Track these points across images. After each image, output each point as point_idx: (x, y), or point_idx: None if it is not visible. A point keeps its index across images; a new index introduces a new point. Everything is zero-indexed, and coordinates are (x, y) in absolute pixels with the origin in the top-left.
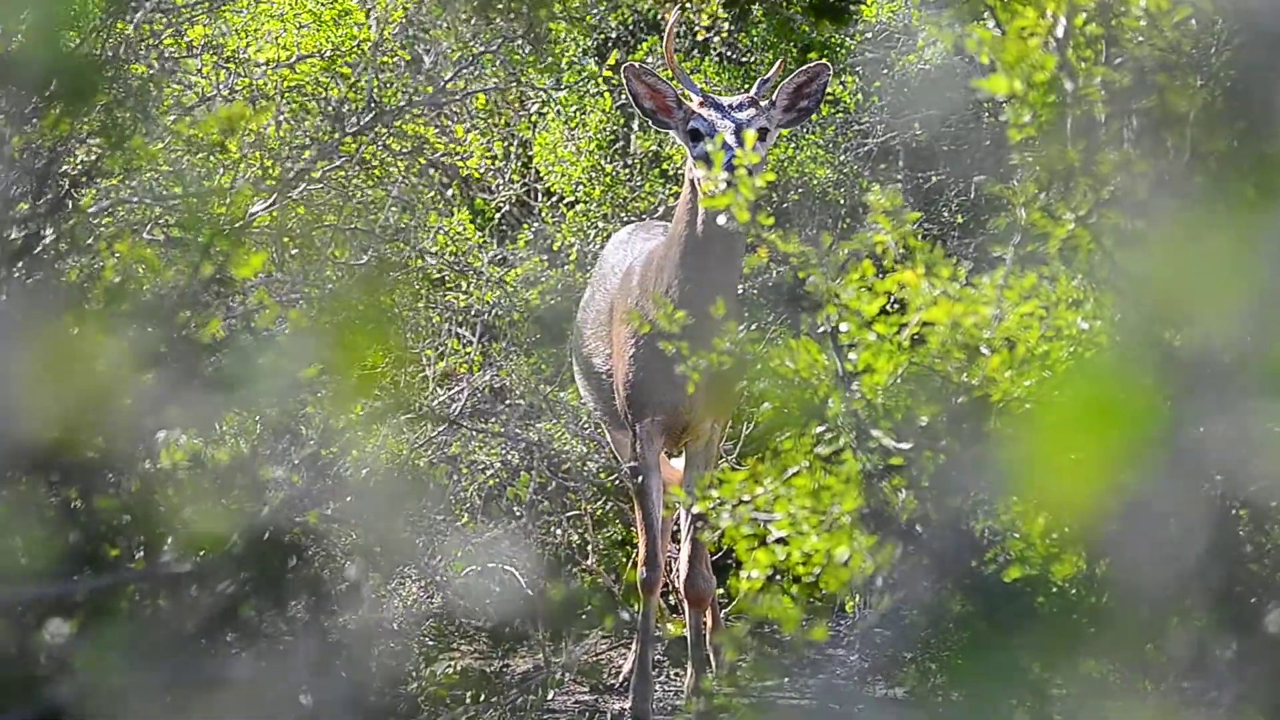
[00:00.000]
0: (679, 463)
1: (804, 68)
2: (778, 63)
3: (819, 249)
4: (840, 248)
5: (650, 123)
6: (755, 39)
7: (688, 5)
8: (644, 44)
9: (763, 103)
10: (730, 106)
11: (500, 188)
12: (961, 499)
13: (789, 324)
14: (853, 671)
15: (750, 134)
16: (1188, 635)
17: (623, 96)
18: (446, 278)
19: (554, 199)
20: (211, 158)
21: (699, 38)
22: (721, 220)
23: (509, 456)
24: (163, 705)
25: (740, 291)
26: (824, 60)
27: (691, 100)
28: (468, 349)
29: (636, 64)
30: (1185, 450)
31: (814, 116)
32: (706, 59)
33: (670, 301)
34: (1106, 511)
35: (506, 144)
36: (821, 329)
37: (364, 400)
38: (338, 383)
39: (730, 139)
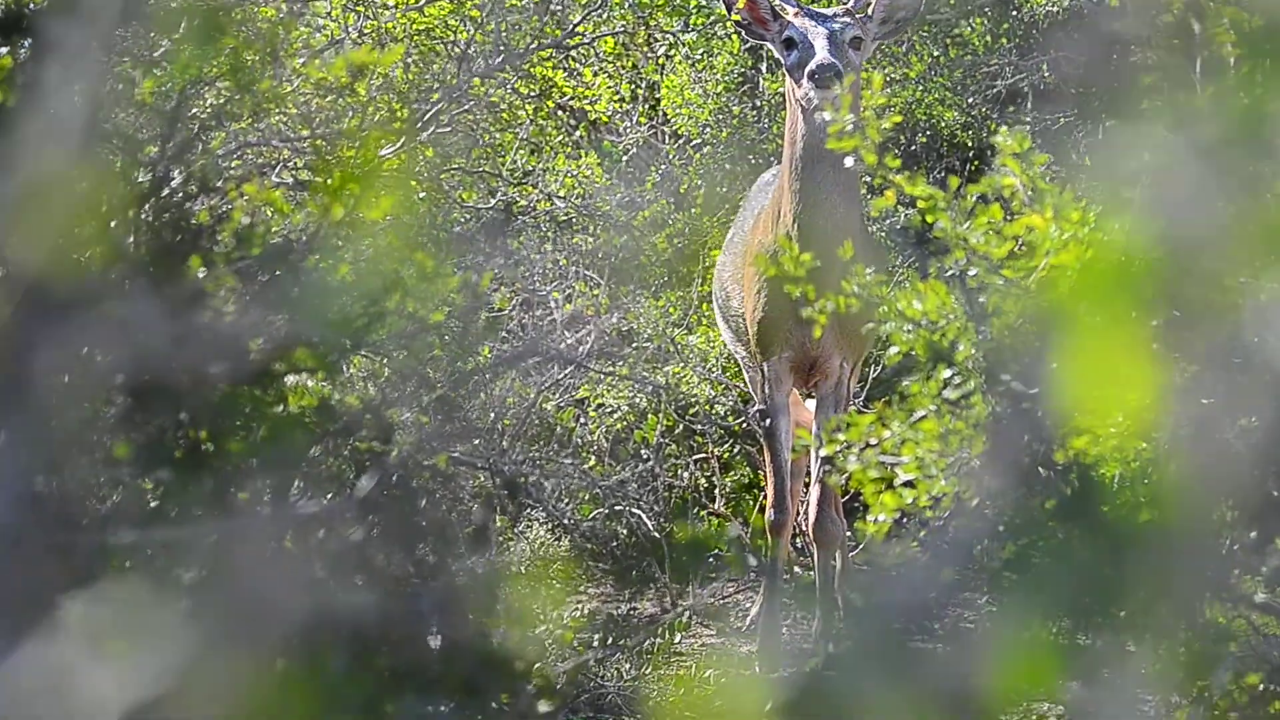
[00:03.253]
0: (813, 404)
1: None
2: None
3: (947, 192)
4: (968, 191)
5: (745, 35)
6: None
7: None
8: None
9: (858, 14)
10: (826, 15)
11: (627, 130)
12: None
13: (916, 267)
14: (980, 615)
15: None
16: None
17: (750, 40)
18: (574, 220)
19: (681, 141)
20: (340, 100)
21: None
22: (849, 162)
23: (636, 399)
24: (291, 648)
25: (868, 228)
26: None
27: (787, 12)
28: (595, 292)
29: None
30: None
31: (921, 46)
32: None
33: (792, 235)
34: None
35: (634, 86)
36: (950, 272)
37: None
38: (465, 325)
39: (823, 44)
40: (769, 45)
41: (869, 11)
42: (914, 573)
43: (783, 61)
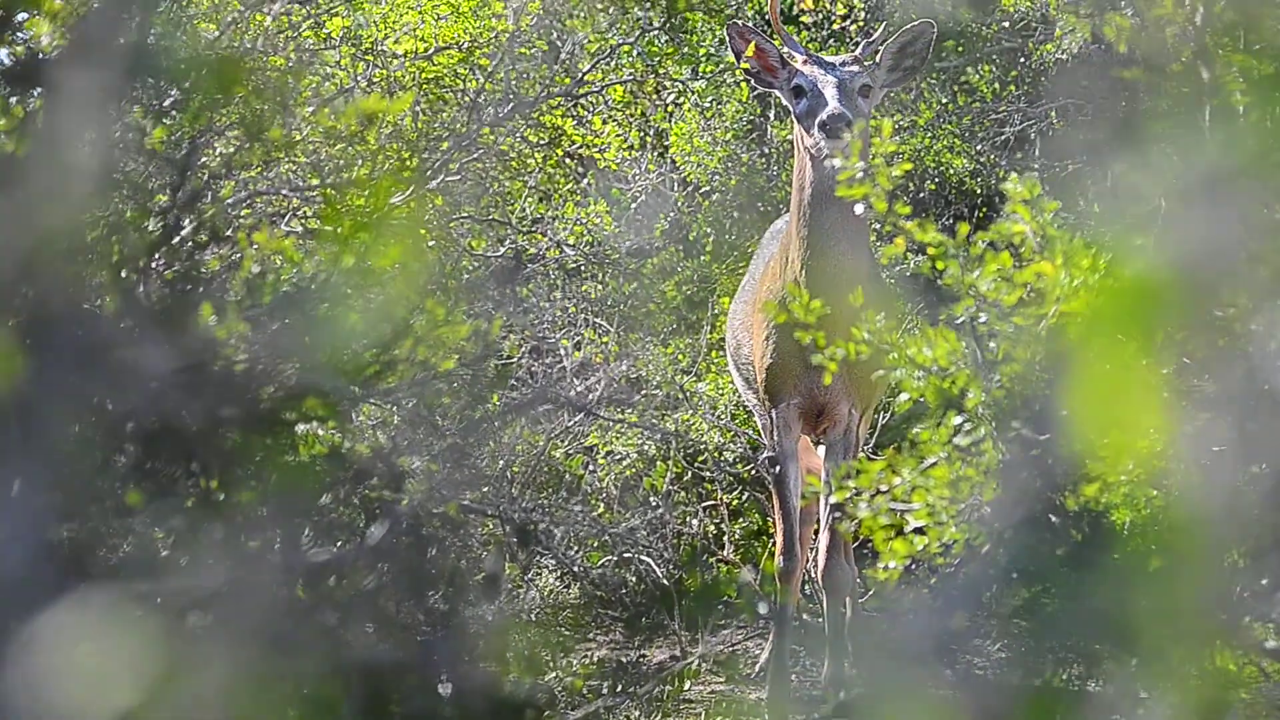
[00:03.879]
0: (824, 450)
1: (907, 27)
2: (882, 25)
3: (956, 239)
4: (977, 238)
5: (754, 83)
6: (892, 28)
7: None
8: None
9: (866, 62)
10: (834, 64)
11: (636, 178)
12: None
13: (926, 314)
14: (991, 662)
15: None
16: None
17: (759, 87)
18: (583, 268)
19: (690, 189)
20: (349, 149)
21: (834, 27)
22: (859, 210)
23: (645, 446)
24: (302, 696)
25: (878, 274)
26: (928, 21)
27: (795, 60)
28: (604, 339)
29: (740, 22)
30: None
31: (930, 94)
32: (843, 48)
33: (800, 281)
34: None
35: (643, 134)
36: (960, 319)
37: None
38: (475, 373)
39: (833, 93)
40: (777, 93)
41: (877, 59)
42: (925, 618)
43: (791, 109)
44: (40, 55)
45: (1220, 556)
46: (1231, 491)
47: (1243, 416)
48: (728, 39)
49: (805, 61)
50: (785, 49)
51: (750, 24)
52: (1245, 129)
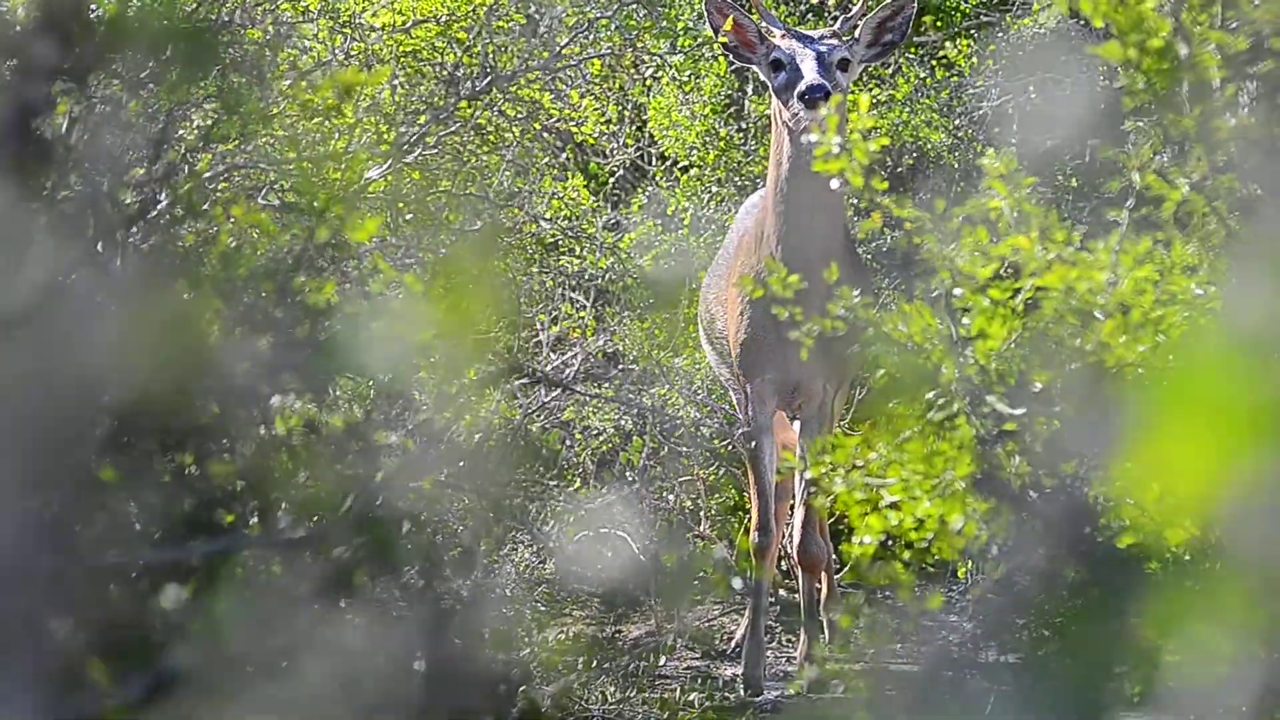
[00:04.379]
0: (799, 425)
1: (887, 2)
2: (860, 2)
3: (933, 214)
4: (954, 212)
5: (732, 58)
6: (872, 3)
7: None
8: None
9: (845, 36)
10: (813, 38)
11: (614, 152)
12: (1075, 465)
13: (902, 289)
14: (966, 638)
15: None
16: None
17: (737, 62)
18: (560, 243)
19: (668, 163)
20: (327, 123)
21: (812, 1)
22: (835, 184)
23: (622, 422)
24: (277, 671)
25: (854, 250)
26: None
27: (774, 34)
28: (581, 314)
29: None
30: None
31: (908, 68)
32: (821, 22)
33: (776, 256)
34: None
35: (621, 108)
36: (935, 294)
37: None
38: (451, 348)
39: (811, 66)
40: (756, 68)
41: (855, 34)
42: (899, 594)
43: (769, 83)
44: (15, 27)
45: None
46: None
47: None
48: (706, 14)
49: (783, 36)
50: (763, 24)
51: None
52: (1222, 104)
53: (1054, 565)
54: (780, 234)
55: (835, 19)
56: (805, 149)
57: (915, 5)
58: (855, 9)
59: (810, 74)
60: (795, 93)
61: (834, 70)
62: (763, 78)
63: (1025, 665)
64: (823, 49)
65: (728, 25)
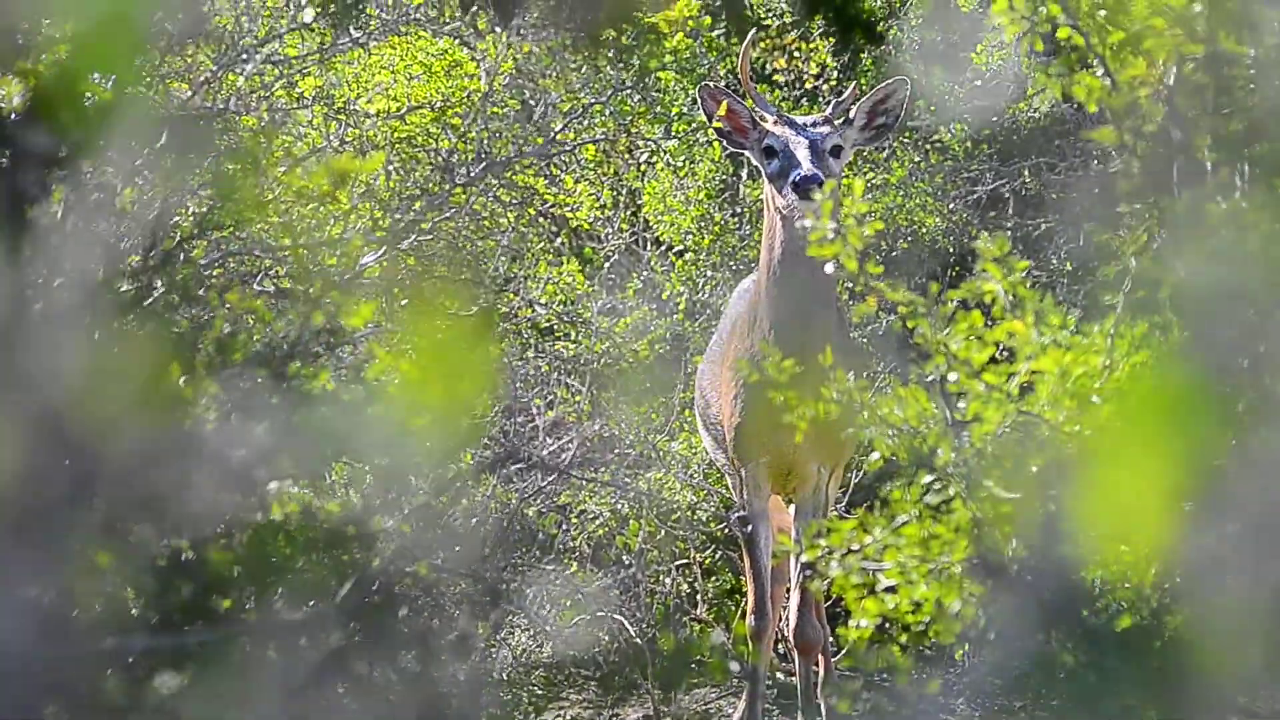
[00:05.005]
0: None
1: (881, 85)
2: (853, 84)
3: (927, 297)
4: (949, 296)
5: (725, 144)
6: (865, 87)
7: (795, 55)
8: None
9: (837, 121)
10: (805, 124)
11: (609, 237)
12: (1071, 548)
13: (898, 372)
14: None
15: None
16: None
17: (731, 148)
18: (555, 327)
19: (663, 248)
20: (321, 209)
21: (807, 86)
22: (829, 269)
23: (618, 505)
24: None
25: (848, 333)
26: (901, 79)
27: (766, 120)
28: (577, 398)
29: (711, 84)
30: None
31: (902, 152)
32: (815, 107)
33: (771, 340)
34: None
35: (615, 193)
36: (930, 378)
37: (473, 450)
38: (447, 433)
39: (805, 154)
40: (749, 154)
41: (849, 118)
42: (898, 678)
43: (763, 170)
44: (8, 116)
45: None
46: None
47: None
48: (699, 100)
49: (776, 122)
50: (756, 109)
51: (723, 83)
52: (1213, 187)
53: (1050, 648)
54: (773, 318)
55: (829, 104)
56: (798, 234)
57: (908, 89)
58: (847, 93)
59: (804, 163)
60: (789, 182)
61: (826, 157)
62: (755, 163)
63: None
64: (815, 136)
65: (721, 110)
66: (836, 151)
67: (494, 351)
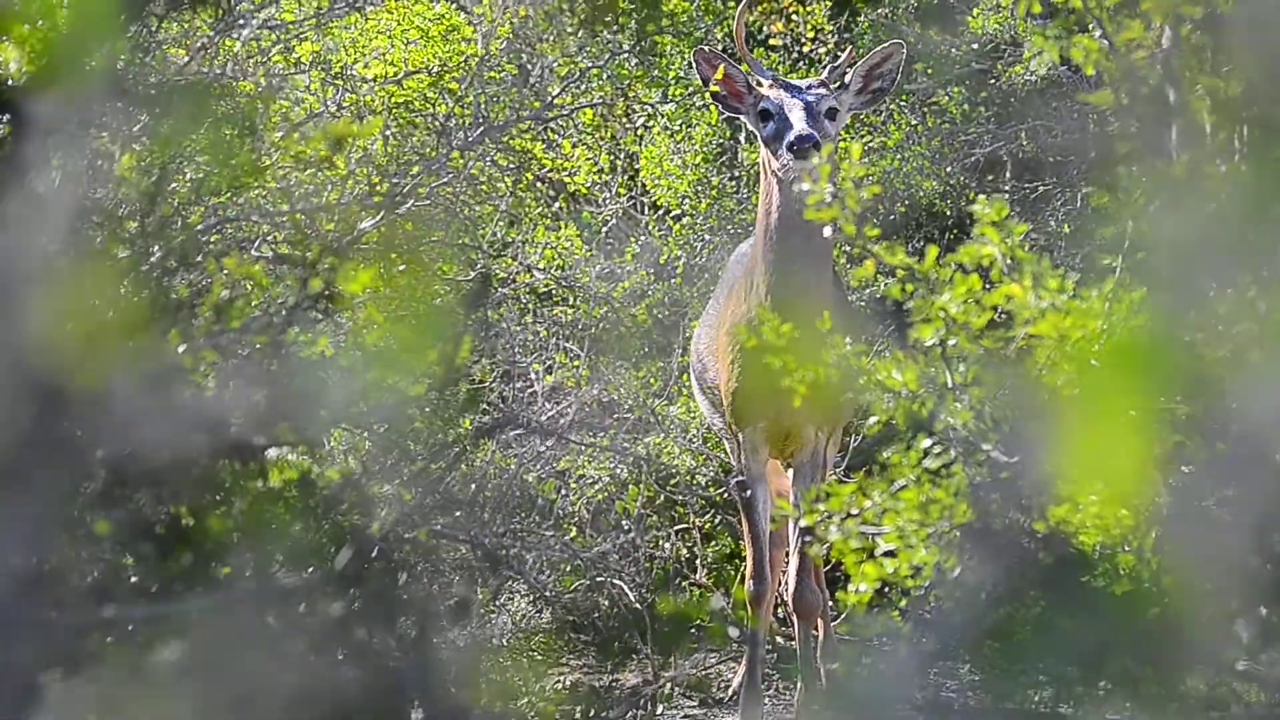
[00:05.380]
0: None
1: (877, 49)
2: (849, 48)
3: (925, 261)
4: (947, 260)
5: (721, 108)
6: (862, 50)
7: (793, 18)
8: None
9: (833, 85)
10: (801, 87)
11: (607, 201)
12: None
13: (896, 336)
14: (962, 685)
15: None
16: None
17: (727, 112)
18: (553, 292)
19: (660, 212)
20: (319, 174)
21: (804, 49)
22: (827, 232)
23: (617, 470)
24: None
25: (845, 298)
26: (897, 43)
27: (762, 84)
28: (575, 363)
29: (706, 48)
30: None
31: (899, 115)
32: (813, 69)
33: (768, 304)
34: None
35: (612, 158)
36: (929, 342)
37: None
38: (446, 398)
39: (800, 115)
40: (744, 118)
41: (845, 81)
42: (896, 641)
43: (758, 133)
44: (7, 81)
45: (1189, 579)
46: (1202, 515)
47: (1211, 436)
48: (695, 64)
49: (771, 85)
50: (752, 73)
51: (719, 47)
52: (1211, 149)
53: (1048, 612)
54: (770, 282)
55: (825, 67)
56: (795, 198)
57: (904, 53)
58: (843, 56)
59: (799, 124)
60: (784, 143)
61: (822, 119)
62: (751, 127)
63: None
64: (811, 98)
65: (718, 75)
66: (832, 114)
67: (493, 316)
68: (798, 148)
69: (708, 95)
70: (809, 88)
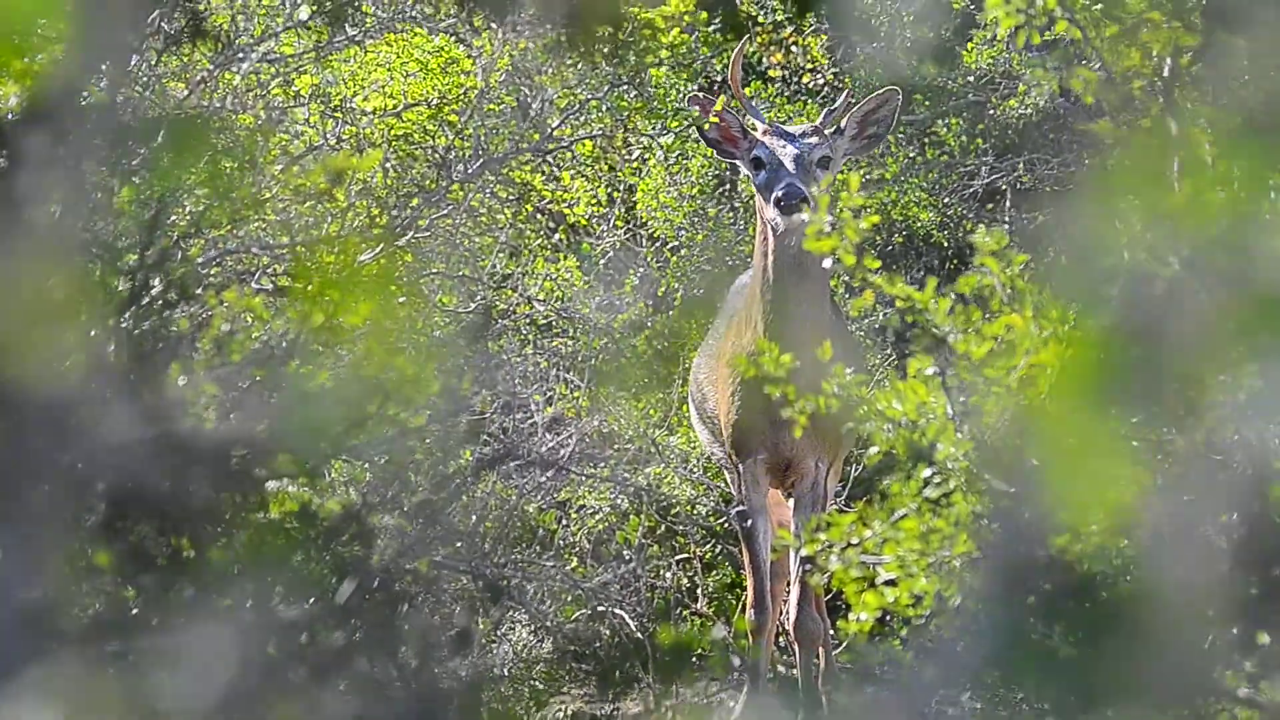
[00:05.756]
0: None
1: (873, 94)
2: (844, 93)
3: (924, 291)
4: (947, 290)
5: (716, 152)
6: (858, 83)
7: (792, 50)
8: (748, 87)
9: (828, 131)
10: (794, 135)
11: (606, 233)
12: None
13: (896, 366)
14: (963, 712)
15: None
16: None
17: (722, 157)
18: (554, 323)
19: (658, 244)
20: (319, 207)
21: (804, 80)
22: (826, 263)
23: (618, 500)
24: None
25: (845, 330)
26: (893, 89)
27: (757, 129)
28: (575, 394)
29: (702, 94)
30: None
31: (897, 147)
32: (810, 103)
33: (765, 339)
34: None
35: (611, 189)
36: (931, 371)
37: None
38: (446, 430)
39: (790, 167)
40: (739, 163)
41: (841, 126)
42: (897, 670)
43: (751, 180)
44: (5, 116)
45: (1192, 607)
46: (1201, 541)
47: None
48: (691, 109)
49: (766, 132)
50: (747, 117)
51: (717, 79)
52: (1212, 179)
53: (1051, 638)
54: (768, 322)
55: (824, 97)
56: (788, 247)
57: (900, 99)
58: (839, 101)
59: (787, 178)
60: (772, 198)
61: (813, 170)
62: (745, 172)
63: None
64: (803, 148)
65: (717, 106)
66: (825, 162)
67: (493, 349)
68: (785, 204)
69: (701, 141)
70: (803, 135)
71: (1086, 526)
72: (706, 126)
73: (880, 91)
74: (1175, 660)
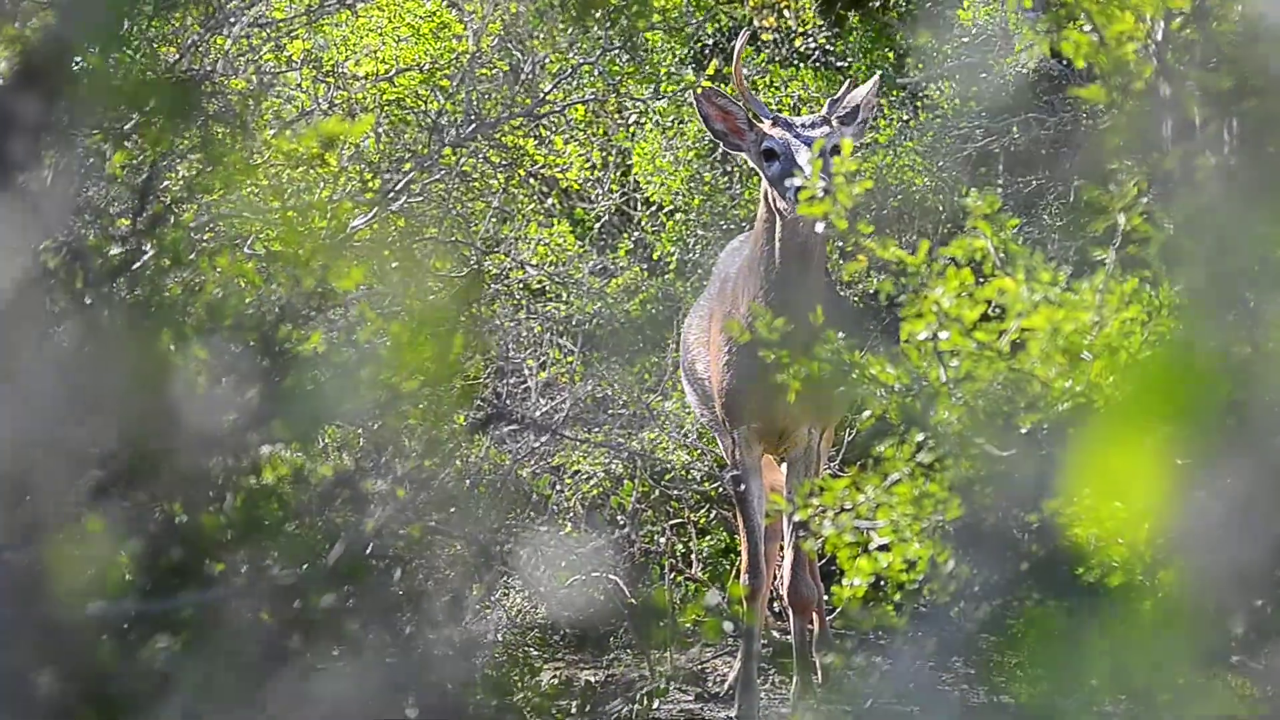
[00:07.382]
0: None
1: (870, 81)
2: (846, 83)
3: (917, 255)
4: (939, 254)
5: (721, 144)
6: (851, 45)
7: (784, 14)
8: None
9: (835, 120)
10: (801, 126)
11: (599, 198)
12: (1062, 505)
13: (889, 331)
14: (957, 677)
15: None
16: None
17: (727, 150)
18: (547, 288)
19: (653, 208)
20: (311, 172)
21: (795, 44)
22: (819, 228)
23: (612, 466)
24: (267, 718)
25: (838, 295)
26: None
27: (762, 122)
28: (569, 359)
29: (707, 86)
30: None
31: (911, 122)
32: (804, 67)
33: (765, 309)
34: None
35: (605, 154)
36: (922, 336)
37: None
38: (439, 394)
39: (806, 158)
40: (745, 154)
41: (848, 114)
42: (891, 635)
43: (762, 172)
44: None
45: (1184, 572)
46: (1196, 512)
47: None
48: (695, 104)
49: (773, 124)
50: (751, 109)
51: (709, 43)
52: (1203, 142)
53: (1044, 607)
54: (769, 300)
55: (816, 60)
56: (797, 234)
57: (878, 86)
58: (841, 91)
59: (809, 168)
60: (790, 189)
61: (828, 158)
62: (753, 164)
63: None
64: (816, 137)
65: (729, 88)
66: (836, 151)
67: (486, 313)
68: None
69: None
70: (811, 125)
71: (1079, 491)
72: (713, 121)
73: (875, 79)
74: (1170, 627)
